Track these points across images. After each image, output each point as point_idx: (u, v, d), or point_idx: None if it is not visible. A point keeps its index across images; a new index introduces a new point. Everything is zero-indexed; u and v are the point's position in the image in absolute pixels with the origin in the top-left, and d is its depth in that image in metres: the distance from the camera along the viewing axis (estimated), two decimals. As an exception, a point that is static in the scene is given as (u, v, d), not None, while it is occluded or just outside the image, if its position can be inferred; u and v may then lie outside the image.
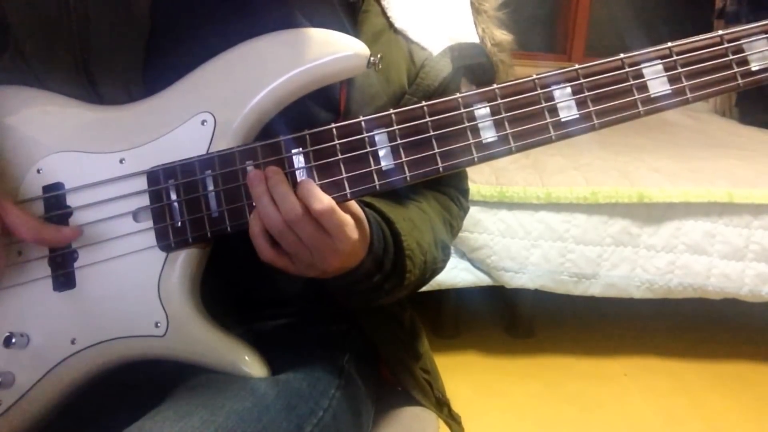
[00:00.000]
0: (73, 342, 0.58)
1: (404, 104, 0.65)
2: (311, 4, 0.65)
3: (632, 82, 0.55)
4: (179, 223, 0.57)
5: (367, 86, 0.64)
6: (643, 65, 0.56)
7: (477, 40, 0.71)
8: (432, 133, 0.56)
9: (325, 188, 0.55)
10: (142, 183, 0.58)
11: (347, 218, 0.54)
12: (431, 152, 0.56)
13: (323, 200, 0.52)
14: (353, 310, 0.70)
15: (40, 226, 0.57)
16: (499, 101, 0.56)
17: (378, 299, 0.64)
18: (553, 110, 0.56)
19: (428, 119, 0.56)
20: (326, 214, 0.52)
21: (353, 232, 0.54)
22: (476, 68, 0.72)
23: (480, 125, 0.56)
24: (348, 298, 0.64)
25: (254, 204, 0.54)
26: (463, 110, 0.56)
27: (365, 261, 0.58)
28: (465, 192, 0.80)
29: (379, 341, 0.71)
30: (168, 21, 0.62)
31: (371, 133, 0.56)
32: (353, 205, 0.56)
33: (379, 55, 0.58)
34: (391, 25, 0.68)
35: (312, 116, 0.62)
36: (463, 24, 0.71)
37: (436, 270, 0.71)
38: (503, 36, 0.73)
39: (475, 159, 0.56)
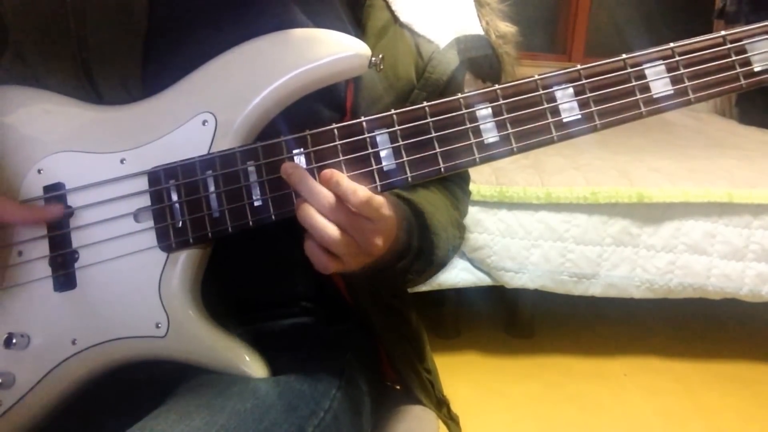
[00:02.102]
0: (73, 342, 0.58)
1: (413, 99, 0.65)
2: (312, 2, 0.64)
3: (635, 83, 0.55)
4: (180, 223, 0.57)
5: (375, 83, 0.64)
6: (645, 66, 0.55)
7: (481, 33, 0.71)
8: (434, 134, 0.55)
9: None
10: (143, 183, 0.57)
11: (381, 199, 0.53)
12: (433, 152, 0.55)
13: (357, 193, 0.52)
14: (361, 309, 0.70)
15: (23, 207, 0.57)
16: (501, 102, 0.55)
17: (405, 283, 0.64)
18: (555, 111, 0.55)
19: (430, 120, 0.56)
20: (365, 205, 0.52)
21: (389, 210, 0.54)
22: (481, 61, 0.71)
23: (482, 126, 0.56)
24: (377, 287, 0.64)
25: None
26: (464, 111, 0.56)
27: (398, 241, 0.58)
28: (466, 180, 0.81)
29: (388, 339, 0.71)
30: (167, 20, 0.62)
31: (373, 134, 0.55)
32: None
33: (380, 56, 0.58)
34: (396, 19, 0.67)
35: (317, 115, 0.62)
36: (467, 16, 0.70)
37: (456, 248, 0.71)
38: (507, 28, 0.73)
39: (477, 159, 0.56)
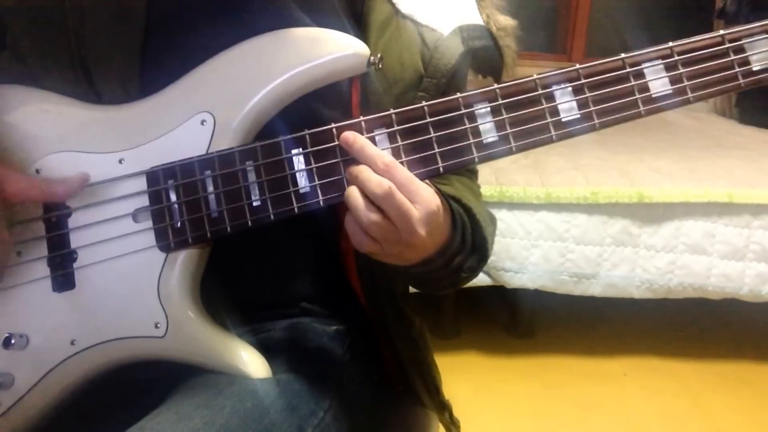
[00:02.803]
0: (72, 343, 0.57)
1: (424, 88, 0.66)
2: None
3: (633, 82, 0.55)
4: (178, 224, 0.57)
5: (382, 78, 0.64)
6: (644, 65, 0.55)
7: (482, 23, 0.71)
8: (432, 134, 0.55)
9: (326, 188, 0.55)
10: (141, 183, 0.57)
11: (412, 176, 0.53)
12: (432, 152, 0.55)
13: (384, 157, 0.53)
14: (377, 311, 0.70)
15: (46, 182, 0.57)
16: (500, 101, 0.55)
17: (459, 282, 0.65)
18: (554, 110, 0.55)
19: (429, 120, 0.55)
20: (391, 165, 0.52)
21: (432, 196, 0.53)
22: (482, 54, 0.71)
23: (480, 125, 0.55)
24: (432, 286, 0.66)
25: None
26: (463, 110, 0.55)
27: (455, 238, 0.58)
28: (476, 173, 0.81)
29: (399, 342, 0.71)
30: (165, 18, 0.62)
31: (372, 134, 0.55)
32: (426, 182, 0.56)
33: (379, 55, 0.58)
34: (397, 11, 0.68)
35: (318, 115, 0.62)
36: (468, 8, 0.71)
37: (492, 243, 0.71)
38: (507, 21, 0.73)
39: (476, 159, 0.55)
